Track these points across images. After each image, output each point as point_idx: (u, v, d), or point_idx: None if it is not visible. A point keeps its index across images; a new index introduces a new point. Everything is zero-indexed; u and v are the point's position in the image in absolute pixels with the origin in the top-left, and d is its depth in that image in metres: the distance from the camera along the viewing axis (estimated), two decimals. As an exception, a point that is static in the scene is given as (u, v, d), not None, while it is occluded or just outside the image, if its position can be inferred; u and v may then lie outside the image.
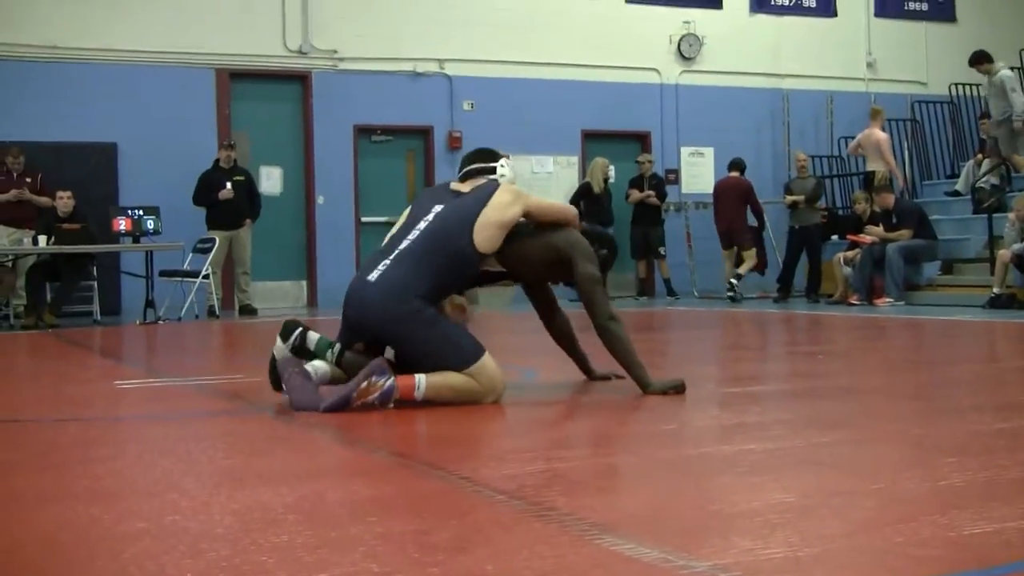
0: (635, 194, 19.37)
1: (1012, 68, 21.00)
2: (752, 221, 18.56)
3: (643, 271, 19.93)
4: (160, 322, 14.60)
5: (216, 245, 15.87)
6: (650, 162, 19.68)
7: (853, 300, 16.33)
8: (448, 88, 19.38)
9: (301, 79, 18.69)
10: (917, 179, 21.28)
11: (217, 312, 15.87)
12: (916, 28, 22.88)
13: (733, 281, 18.11)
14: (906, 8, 22.78)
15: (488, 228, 5.79)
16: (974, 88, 21.17)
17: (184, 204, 16.36)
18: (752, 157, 20.91)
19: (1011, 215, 15.27)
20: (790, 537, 2.92)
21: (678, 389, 5.94)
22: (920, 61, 22.76)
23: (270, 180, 18.33)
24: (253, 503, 3.47)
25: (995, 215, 16.31)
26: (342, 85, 18.69)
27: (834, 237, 18.43)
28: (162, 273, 15.47)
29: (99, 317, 14.98)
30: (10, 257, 14.87)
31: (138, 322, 14.59)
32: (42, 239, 14.39)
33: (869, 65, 22.38)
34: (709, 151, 21.23)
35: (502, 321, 12.78)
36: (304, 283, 18.81)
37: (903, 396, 6.36)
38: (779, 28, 21.78)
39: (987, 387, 6.95)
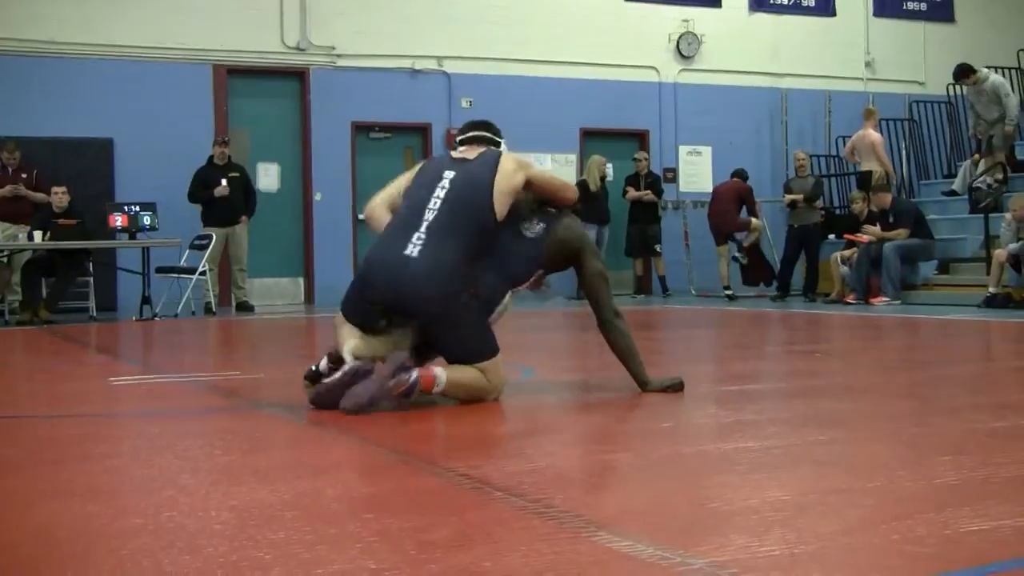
0: (632, 192, 19.38)
1: (1005, 69, 21.10)
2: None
3: (640, 269, 19.92)
4: (156, 319, 14.58)
5: (213, 242, 15.85)
6: (647, 160, 19.68)
7: (850, 299, 16.34)
8: (446, 85, 19.38)
9: (299, 76, 18.69)
10: (914, 179, 21.30)
11: (214, 309, 15.86)
12: (914, 28, 22.91)
13: (728, 285, 18.17)
14: (905, 8, 22.80)
15: (501, 195, 5.71)
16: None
17: (181, 200, 16.35)
18: (750, 156, 20.97)
19: (1007, 215, 15.28)
20: (787, 535, 2.92)
21: (676, 387, 5.94)
22: (918, 61, 22.79)
23: (267, 177, 18.33)
24: (250, 500, 3.48)
25: (991, 215, 16.31)
26: (340, 82, 18.69)
27: (831, 236, 18.41)
28: (158, 270, 15.46)
29: (95, 313, 14.95)
30: (5, 252, 14.84)
31: (134, 319, 14.57)
32: (38, 235, 14.36)
33: (867, 65, 22.40)
34: (707, 150, 21.25)
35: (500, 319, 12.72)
36: (301, 280, 18.81)
37: (899, 395, 6.37)
38: (778, 27, 21.79)
39: (983, 386, 6.96)
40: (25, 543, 3.04)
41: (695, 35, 21.11)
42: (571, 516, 3.17)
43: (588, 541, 2.90)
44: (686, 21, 21.10)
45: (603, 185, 18.92)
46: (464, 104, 19.36)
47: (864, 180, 18.10)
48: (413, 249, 5.49)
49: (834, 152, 21.14)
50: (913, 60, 22.75)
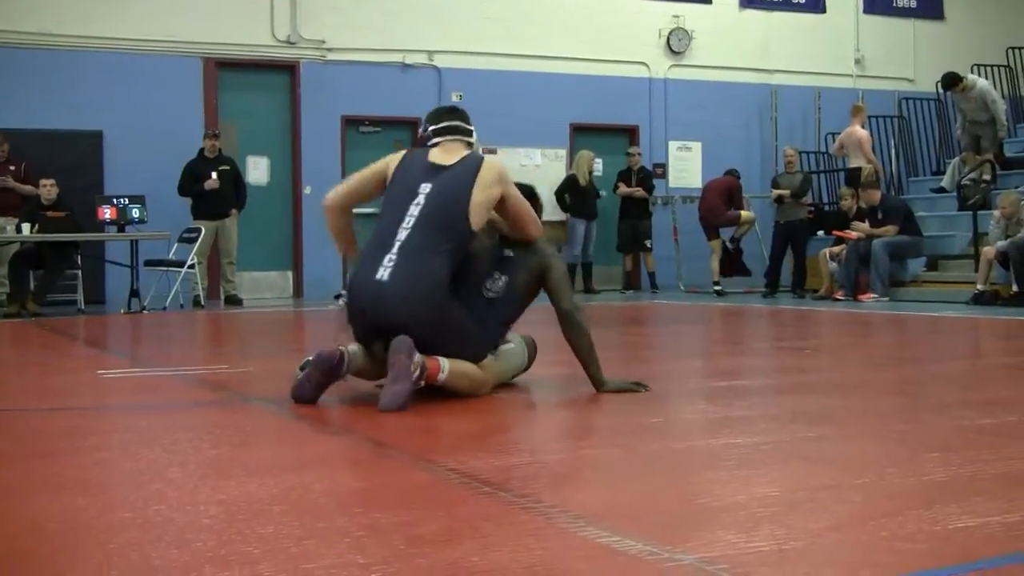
0: (623, 188, 19.39)
1: (994, 67, 21.17)
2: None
3: (629, 264, 19.94)
4: (145, 312, 14.56)
5: (202, 235, 15.82)
6: (639, 155, 19.69)
7: (838, 296, 16.36)
8: (437, 80, 19.36)
9: (289, 69, 18.66)
10: (903, 176, 21.32)
11: (202, 302, 15.84)
12: (904, 25, 22.92)
13: (718, 281, 18.21)
14: (894, 5, 22.81)
15: (477, 207, 5.63)
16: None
17: (170, 193, 16.31)
18: (740, 152, 20.99)
19: (996, 212, 15.32)
20: (776, 531, 2.93)
21: (635, 389, 5.84)
22: (907, 58, 22.81)
23: (257, 170, 18.30)
24: (239, 494, 3.47)
25: (980, 212, 16.35)
26: (330, 75, 18.67)
27: (820, 233, 18.44)
28: (147, 262, 15.43)
29: (83, 306, 14.91)
30: (-6, 245, 14.85)
31: (123, 311, 14.55)
32: (26, 227, 14.34)
33: (857, 61, 22.41)
34: (697, 146, 21.25)
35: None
36: (290, 274, 18.79)
37: (888, 391, 6.38)
38: (768, 23, 21.80)
39: (971, 383, 6.98)
40: (14, 536, 3.04)
41: (685, 31, 21.11)
42: (559, 511, 3.17)
43: (577, 536, 2.90)
44: (677, 17, 21.10)
45: (591, 180, 18.94)
46: (454, 98, 19.32)
47: (853, 177, 18.11)
48: (384, 272, 5.44)
49: (823, 149, 21.17)
50: (902, 57, 22.77)
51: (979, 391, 6.45)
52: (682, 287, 19.57)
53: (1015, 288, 14.18)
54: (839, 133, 19.60)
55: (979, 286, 14.60)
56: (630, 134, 20.97)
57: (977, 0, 23.33)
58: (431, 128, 6.06)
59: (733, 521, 3.06)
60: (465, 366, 5.52)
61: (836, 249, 16.87)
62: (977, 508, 3.17)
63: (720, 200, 18.40)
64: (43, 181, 14.88)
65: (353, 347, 5.52)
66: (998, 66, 21.68)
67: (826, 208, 19.65)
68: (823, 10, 22.22)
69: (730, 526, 3.00)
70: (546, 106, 19.77)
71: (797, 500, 3.35)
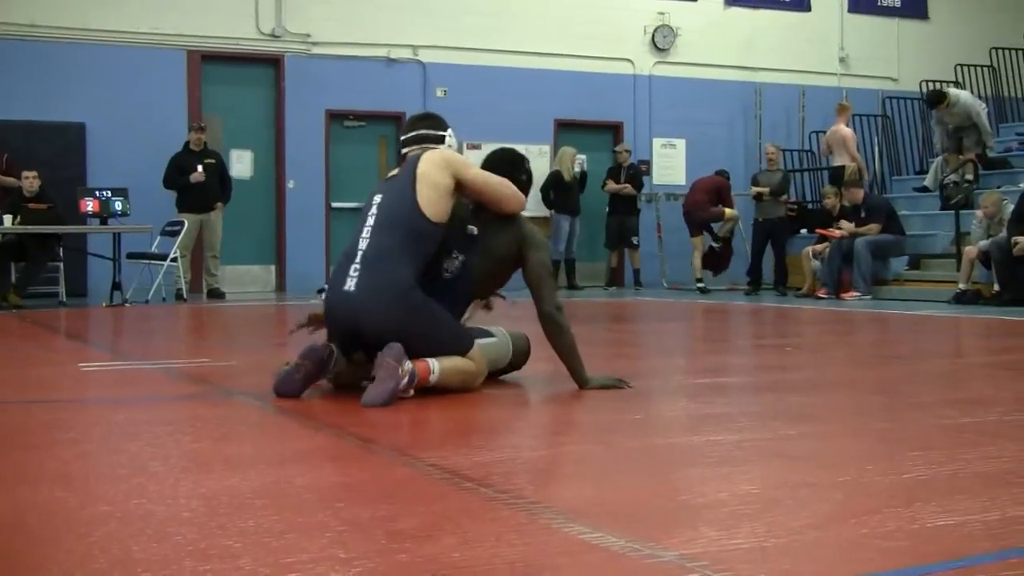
0: (611, 185, 19.40)
1: (977, 67, 21.22)
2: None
3: (615, 261, 19.95)
4: (127, 305, 14.53)
5: (185, 228, 15.80)
6: (628, 152, 19.68)
7: (821, 294, 16.39)
8: (421, 74, 19.35)
9: (273, 63, 18.64)
10: (886, 175, 21.36)
11: (184, 295, 15.81)
12: (888, 24, 22.96)
13: (701, 278, 18.23)
14: (879, 4, 22.84)
15: (426, 197, 5.61)
16: (944, 85, 21.25)
17: (153, 186, 16.28)
18: (724, 150, 21.03)
19: (978, 212, 15.36)
20: (756, 528, 2.93)
21: (618, 386, 5.84)
22: (892, 57, 22.85)
23: (241, 164, 18.27)
24: (220, 488, 3.47)
25: (963, 211, 16.39)
26: (315, 69, 18.65)
27: (803, 231, 18.48)
28: (129, 255, 15.39)
29: (65, 299, 14.89)
30: (-24, 237, 14.80)
31: (104, 304, 14.51)
32: (8, 219, 14.29)
33: (841, 60, 22.44)
34: (681, 143, 21.27)
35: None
36: (273, 268, 18.77)
37: (869, 390, 6.39)
38: (753, 22, 21.81)
39: (952, 382, 7.00)
40: (-7, 528, 3.03)
41: (671, 28, 21.12)
42: (541, 507, 3.17)
43: (558, 532, 2.90)
44: (662, 14, 21.11)
45: (576, 176, 18.96)
46: (439, 93, 19.35)
47: (837, 175, 18.14)
48: (351, 283, 5.49)
49: (807, 147, 21.21)
50: (886, 56, 22.81)
51: (960, 390, 6.47)
52: (665, 284, 19.59)
53: (996, 287, 14.21)
54: (823, 132, 19.66)
55: (961, 285, 14.63)
56: (614, 131, 20.99)
57: (961, 0, 23.36)
58: (402, 139, 6.08)
59: (714, 518, 3.07)
60: (455, 361, 5.53)
61: (819, 247, 16.90)
62: (957, 507, 3.18)
63: (706, 198, 18.41)
64: (25, 173, 14.82)
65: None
66: (982, 66, 21.73)
67: (809, 206, 19.68)
68: (808, 9, 22.24)
69: (711, 523, 3.00)
70: (531, 102, 19.77)
71: (778, 497, 3.36)
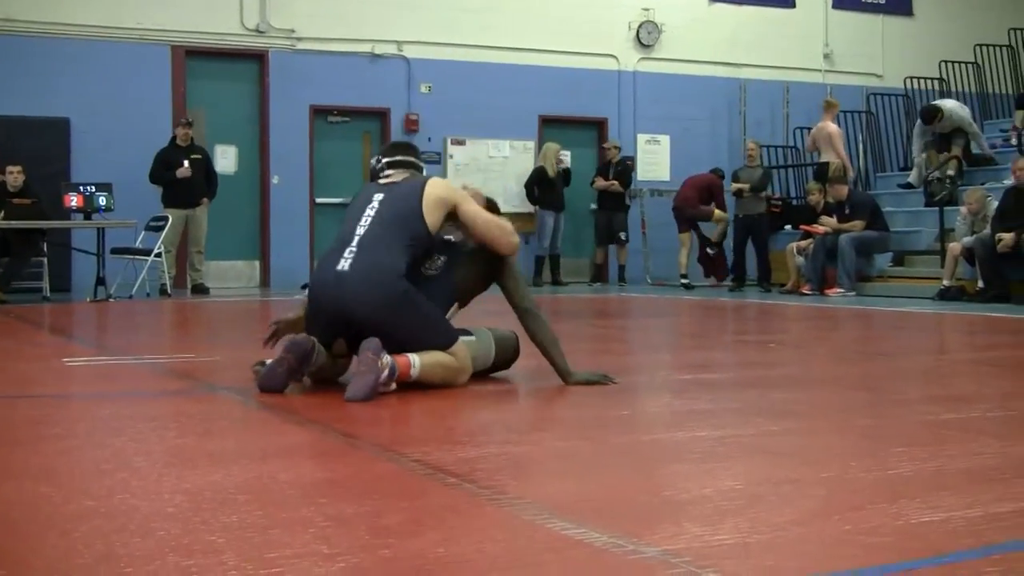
0: (600, 181, 19.41)
1: (961, 63, 21.26)
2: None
3: (600, 257, 19.95)
4: (111, 300, 14.51)
5: (170, 223, 15.80)
6: (617, 148, 19.67)
7: (805, 290, 16.42)
8: (406, 70, 19.34)
9: (258, 58, 18.61)
10: (871, 171, 21.40)
11: (169, 291, 15.80)
12: (873, 21, 22.98)
13: (686, 274, 18.24)
14: (863, 1, 22.87)
15: (430, 207, 5.76)
16: (929, 82, 21.33)
17: (137, 181, 16.26)
18: (708, 146, 21.05)
19: (963, 208, 15.39)
20: (740, 524, 2.93)
21: (602, 381, 5.85)
22: (876, 54, 22.88)
23: (225, 159, 18.24)
24: (204, 483, 3.46)
25: (947, 208, 16.43)
26: (299, 65, 18.63)
27: (788, 227, 18.50)
28: (114, 251, 15.38)
29: (48, 294, 14.86)
30: (-41, 232, 14.76)
31: (89, 299, 14.50)
32: (-8, 214, 14.30)
33: (826, 57, 22.46)
34: (665, 139, 21.28)
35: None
36: (257, 263, 18.75)
37: (853, 386, 6.40)
38: (737, 18, 21.82)
39: (936, 378, 7.02)
40: (-24, 524, 3.02)
41: (655, 24, 21.13)
42: (525, 503, 3.17)
43: (542, 528, 2.90)
44: (646, 10, 21.10)
45: (559, 172, 18.98)
46: (423, 89, 19.35)
47: (822, 172, 18.17)
48: (344, 264, 5.58)
49: (792, 143, 21.24)
50: (871, 53, 22.83)
51: (944, 386, 6.48)
52: (650, 280, 19.59)
53: (981, 284, 14.25)
54: (808, 128, 19.70)
55: (945, 282, 14.67)
56: (599, 127, 21.00)
57: (945, -4, 23.44)
58: (384, 160, 6.17)
59: (698, 514, 3.07)
60: (437, 356, 5.55)
61: (803, 243, 16.93)
62: (941, 503, 3.18)
63: (696, 195, 18.45)
64: (9, 168, 14.80)
65: (323, 347, 5.55)
66: (966, 63, 21.77)
67: (794, 203, 19.70)
68: (792, 5, 22.26)
69: (695, 519, 3.00)
70: (515, 98, 19.77)
71: (761, 493, 3.36)
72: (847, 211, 16.63)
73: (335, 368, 5.67)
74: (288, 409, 5.05)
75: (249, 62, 18.65)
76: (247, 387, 5.56)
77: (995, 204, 14.73)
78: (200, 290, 16.36)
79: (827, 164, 18.13)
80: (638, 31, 21.05)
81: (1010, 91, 21.85)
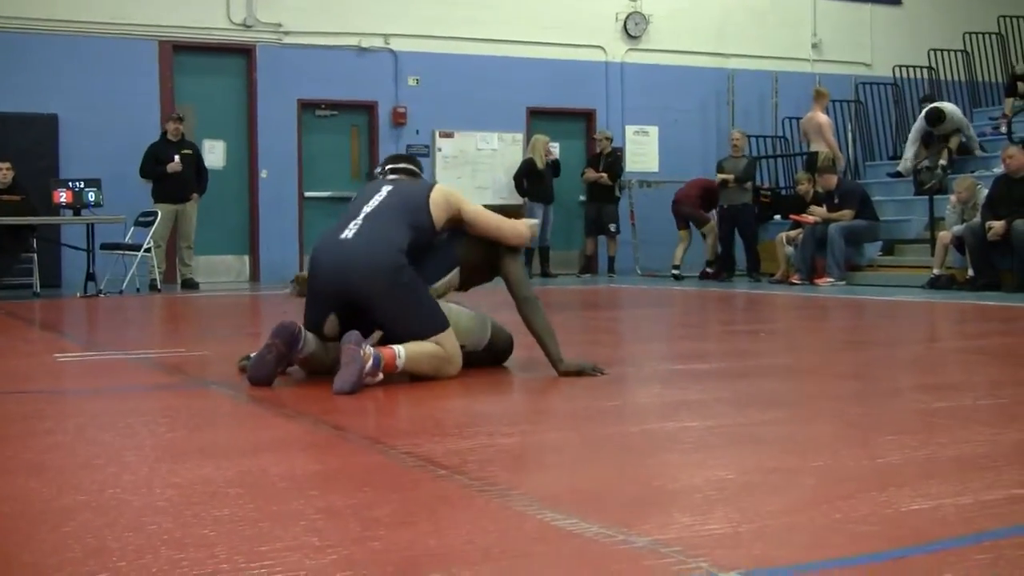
0: (590, 173, 19.42)
1: (950, 51, 21.28)
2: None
3: (590, 248, 19.96)
4: (101, 295, 14.51)
5: (159, 218, 15.79)
6: (608, 139, 19.66)
7: (795, 279, 16.43)
8: (393, 63, 19.33)
9: (245, 52, 18.60)
10: (860, 160, 21.40)
11: (159, 286, 15.80)
12: (861, 10, 23.01)
13: (678, 266, 18.24)
14: (851, -11, 22.89)
15: (435, 205, 5.89)
16: (918, 70, 21.33)
17: (126, 177, 16.26)
18: (696, 136, 21.08)
19: (952, 197, 15.39)
20: (730, 513, 2.94)
21: (592, 373, 5.86)
22: (864, 43, 22.90)
23: (213, 154, 18.22)
24: (195, 477, 3.46)
25: (936, 197, 16.44)
26: (287, 59, 18.62)
27: (777, 217, 18.50)
28: (103, 246, 15.37)
29: (39, 290, 14.86)
30: (-52, 228, 14.74)
31: (79, 295, 14.50)
32: (-19, 211, 14.28)
33: (814, 46, 22.48)
34: (654, 130, 21.29)
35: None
36: (247, 258, 18.75)
37: (843, 375, 6.41)
38: (725, 8, 21.83)
39: (926, 367, 7.03)
40: (-33, 520, 3.02)
41: (642, 15, 21.13)
42: (515, 494, 3.17)
43: (532, 519, 2.90)
44: (634, 1, 21.13)
45: (548, 164, 18.97)
46: (411, 82, 19.34)
47: (812, 161, 18.18)
48: (348, 233, 5.70)
49: (780, 133, 21.23)
50: (859, 42, 22.86)
51: (934, 375, 6.49)
52: (639, 271, 19.60)
53: (970, 273, 14.26)
54: (796, 118, 19.71)
55: (935, 270, 14.67)
56: (587, 118, 21.01)
57: (933, -15, 23.45)
58: (388, 167, 6.41)
59: (688, 503, 3.08)
60: (423, 347, 5.56)
61: (793, 233, 16.93)
62: (930, 491, 3.19)
63: (695, 193, 18.49)
64: (-2, 164, 14.81)
65: (311, 335, 5.60)
66: (955, 51, 21.77)
67: (783, 192, 19.70)
68: (780, -6, 22.29)
69: (685, 508, 3.01)
70: (503, 90, 19.77)
71: (751, 483, 3.37)
72: (836, 200, 16.63)
73: (327, 357, 5.66)
74: (278, 402, 5.05)
75: (236, 57, 18.63)
76: (237, 381, 5.57)
77: (985, 192, 14.74)
78: (190, 285, 16.36)
79: (817, 154, 18.14)
80: (625, 22, 21.06)
81: (999, 79, 21.84)
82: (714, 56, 21.68)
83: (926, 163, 17.66)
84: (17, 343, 9.09)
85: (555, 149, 19.50)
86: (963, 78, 21.67)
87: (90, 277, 14.85)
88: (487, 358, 6.18)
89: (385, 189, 5.98)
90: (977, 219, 14.39)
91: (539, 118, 20.45)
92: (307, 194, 18.78)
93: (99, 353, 7.85)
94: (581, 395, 5.31)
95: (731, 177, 17.82)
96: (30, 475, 3.54)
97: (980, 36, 22.10)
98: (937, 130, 17.95)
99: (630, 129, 21.13)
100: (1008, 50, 22.34)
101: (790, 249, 16.89)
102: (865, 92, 21.56)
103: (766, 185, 19.68)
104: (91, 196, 15.29)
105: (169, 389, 5.87)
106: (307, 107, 19.00)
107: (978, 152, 18.25)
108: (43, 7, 17.19)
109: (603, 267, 19.95)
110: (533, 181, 18.89)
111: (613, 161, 19.52)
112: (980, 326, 10.21)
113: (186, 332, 10.47)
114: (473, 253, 6.10)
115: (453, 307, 5.98)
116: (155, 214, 15.84)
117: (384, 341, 5.63)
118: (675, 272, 18.18)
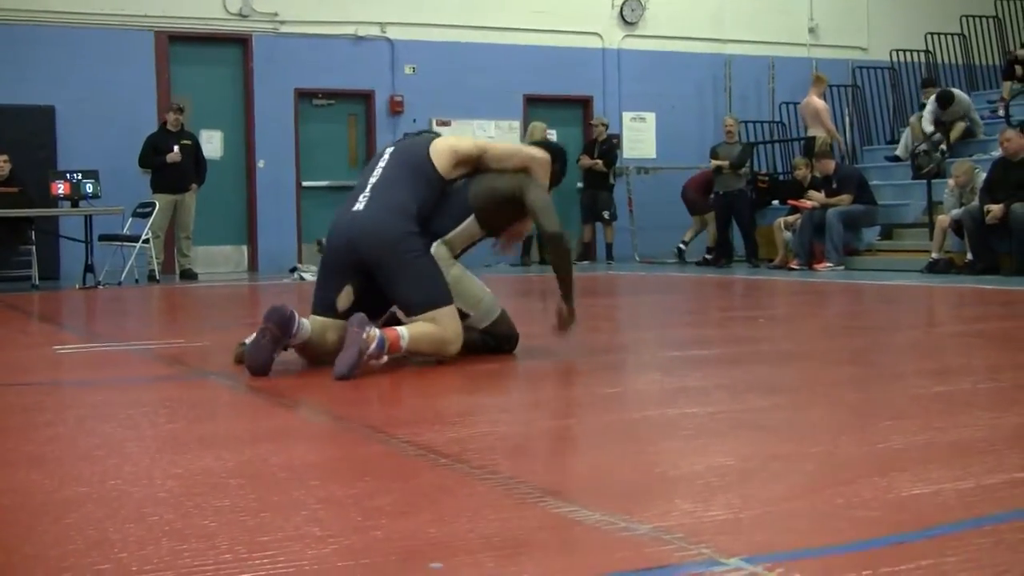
0: (585, 159, 19.40)
1: (947, 35, 21.27)
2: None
3: (588, 235, 19.95)
4: (100, 287, 14.50)
5: (158, 209, 15.79)
6: (604, 126, 19.65)
7: (793, 265, 16.43)
8: (390, 52, 19.31)
9: (242, 42, 18.59)
10: (858, 144, 21.39)
11: (157, 277, 15.80)
12: (858, -6, 22.98)
13: (682, 246, 18.31)
14: (847, -27, 22.86)
15: (439, 154, 6.03)
16: (915, 54, 21.33)
17: (123, 168, 16.26)
18: (694, 122, 21.04)
19: (950, 181, 15.39)
20: (731, 500, 2.94)
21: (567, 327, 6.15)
22: (861, 27, 22.85)
23: (210, 144, 18.21)
24: (196, 467, 3.46)
25: (934, 181, 16.43)
26: (283, 48, 18.60)
27: (775, 202, 18.49)
28: (101, 237, 15.37)
29: (37, 282, 14.84)
30: (-54, 221, 14.73)
31: (77, 287, 14.49)
32: (-21, 203, 14.27)
33: (811, 31, 22.45)
34: (651, 116, 21.28)
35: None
36: (245, 247, 18.74)
37: (842, 361, 6.40)
38: (721, -7, 21.81)
39: (925, 351, 7.02)
40: (-32, 513, 3.02)
41: (639, 1, 21.11)
42: (516, 482, 3.17)
43: (534, 507, 2.90)
44: (630, -13, 21.10)
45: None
46: (407, 71, 19.33)
47: (810, 146, 18.18)
48: (359, 205, 5.84)
49: (778, 118, 21.21)
50: (856, 26, 22.82)
51: (933, 359, 6.49)
52: (637, 258, 19.60)
53: (969, 257, 14.26)
54: (794, 103, 19.70)
55: (934, 255, 14.68)
56: (584, 105, 20.99)
57: (930, -31, 23.41)
58: (406, 133, 6.70)
59: (689, 490, 3.07)
60: (425, 328, 5.62)
61: (791, 219, 16.93)
62: (931, 476, 3.19)
63: (701, 182, 18.59)
64: (-5, 157, 14.80)
65: (305, 320, 5.57)
66: (952, 34, 21.75)
67: (781, 178, 19.69)
68: (776, -21, 22.25)
69: (686, 495, 3.01)
70: (499, 77, 19.76)
71: (752, 469, 3.36)
72: (834, 185, 16.63)
73: (324, 342, 5.66)
74: (278, 392, 5.05)
75: (233, 46, 18.62)
76: (236, 371, 5.56)
77: (983, 176, 14.74)
78: (188, 275, 16.36)
79: (814, 139, 18.14)
80: (622, 8, 21.04)
81: (997, 62, 21.84)
82: (711, 42, 21.65)
83: (924, 147, 17.65)
84: (16, 335, 9.09)
85: (552, 136, 19.48)
86: (960, 61, 21.68)
87: (88, 269, 14.85)
88: (483, 344, 6.17)
89: (387, 153, 6.15)
90: (975, 203, 14.39)
91: (536, 105, 20.44)
92: (305, 183, 18.78)
93: (98, 345, 7.85)
94: (581, 382, 5.32)
95: (725, 163, 17.81)
96: (31, 467, 3.54)
97: (977, 19, 22.09)
98: (945, 114, 17.94)
99: (627, 115, 21.13)
100: (1005, 33, 22.34)
101: (788, 234, 16.89)
102: (862, 76, 21.56)
103: (764, 171, 19.67)
104: (89, 187, 15.29)
105: (169, 380, 5.86)
106: (304, 96, 18.99)
107: (981, 135, 18.27)
108: (38, -1, 17.19)
109: (601, 254, 19.93)
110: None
111: (608, 148, 19.50)
112: (979, 310, 10.21)
113: (185, 323, 10.47)
114: (493, 190, 6.10)
115: (472, 277, 6.02)
116: (153, 205, 15.84)
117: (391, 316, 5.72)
118: (680, 246, 18.25)
